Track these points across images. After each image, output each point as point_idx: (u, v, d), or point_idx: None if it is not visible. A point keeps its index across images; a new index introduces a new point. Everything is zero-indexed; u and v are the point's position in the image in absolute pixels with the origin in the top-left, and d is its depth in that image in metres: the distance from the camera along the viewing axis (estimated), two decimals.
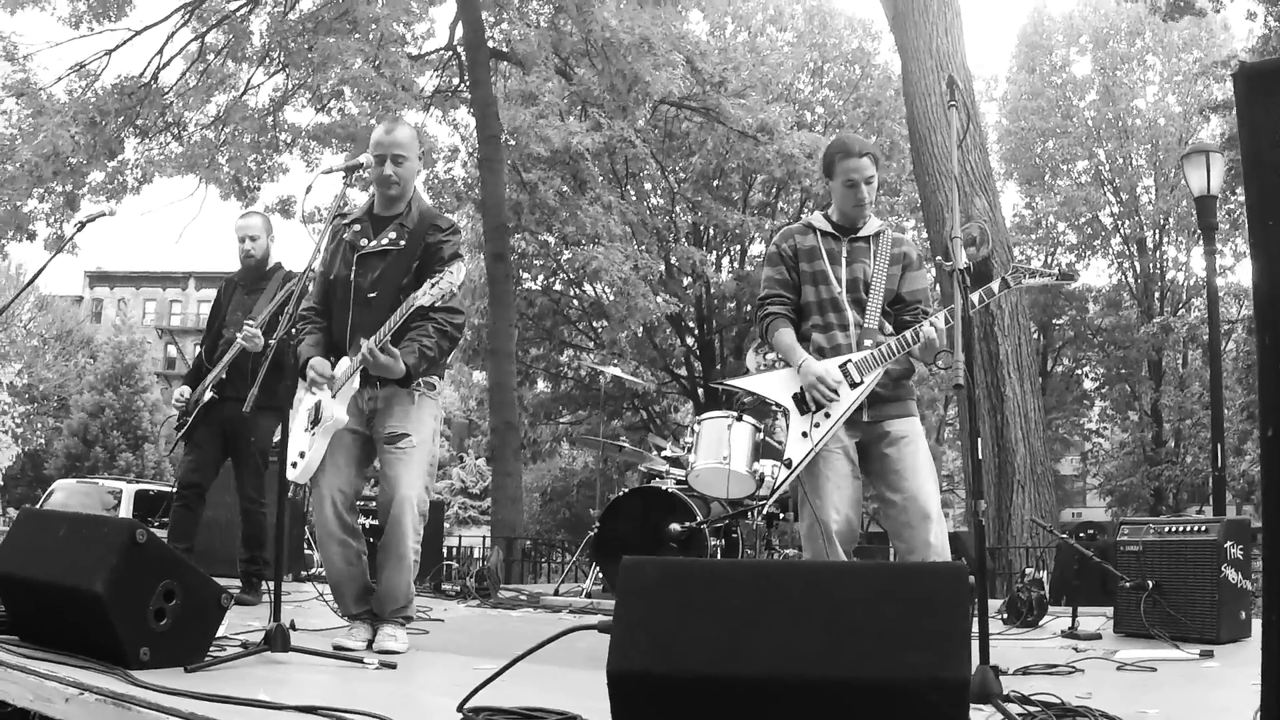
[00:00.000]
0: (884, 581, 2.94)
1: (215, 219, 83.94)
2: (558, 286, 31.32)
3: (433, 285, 5.21)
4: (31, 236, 19.43)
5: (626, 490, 9.06)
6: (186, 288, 62.77)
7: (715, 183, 30.32)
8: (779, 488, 5.70)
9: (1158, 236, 35.79)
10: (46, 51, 28.51)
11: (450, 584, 9.51)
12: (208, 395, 7.67)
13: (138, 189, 20.62)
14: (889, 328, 5.45)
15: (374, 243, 5.66)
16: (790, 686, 2.76)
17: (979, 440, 4.06)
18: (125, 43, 20.23)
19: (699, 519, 8.21)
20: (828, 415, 5.29)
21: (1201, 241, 15.13)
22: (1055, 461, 36.86)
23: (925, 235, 17.09)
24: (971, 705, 3.59)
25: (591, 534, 8.86)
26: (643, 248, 26.03)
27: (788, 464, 5.34)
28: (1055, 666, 5.21)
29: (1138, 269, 35.91)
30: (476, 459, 42.74)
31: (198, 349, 8.13)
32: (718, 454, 8.08)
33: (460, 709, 3.41)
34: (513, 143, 22.08)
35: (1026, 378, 15.53)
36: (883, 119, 30.70)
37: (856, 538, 5.49)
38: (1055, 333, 37.01)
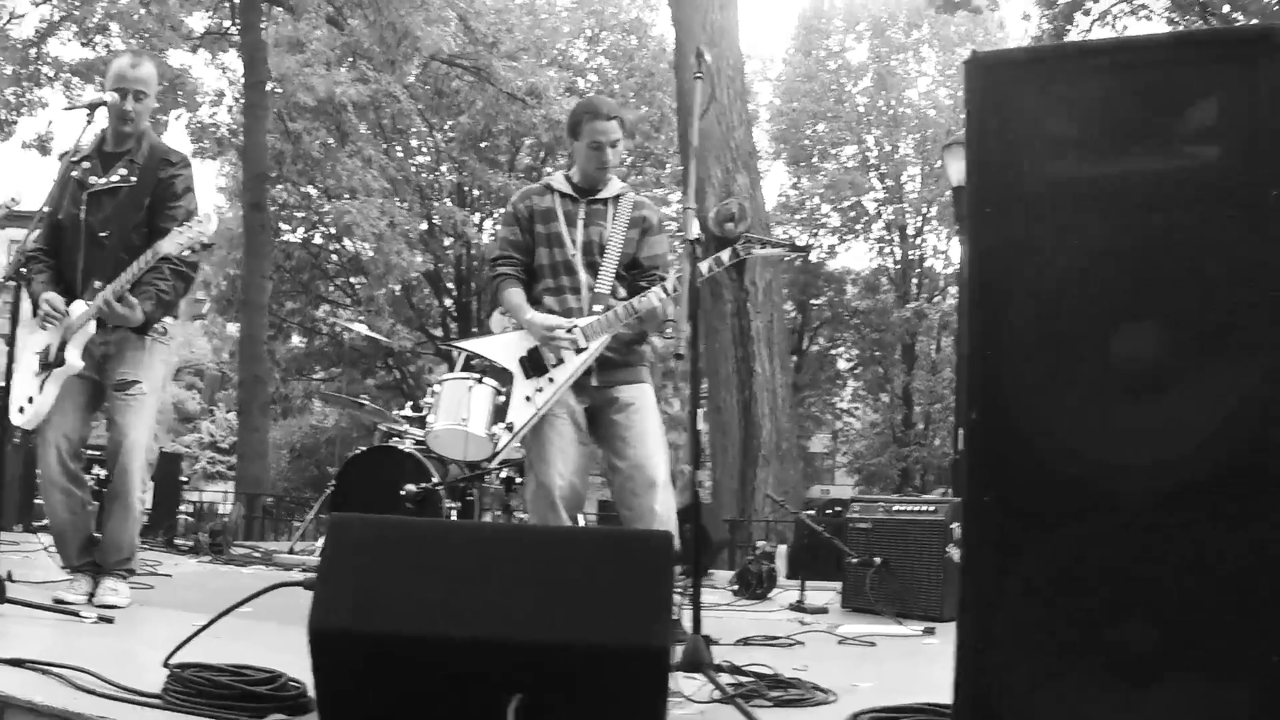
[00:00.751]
0: (591, 548, 3.03)
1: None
2: (318, 240, 30.72)
3: (180, 233, 5.09)
4: None
5: (363, 449, 8.98)
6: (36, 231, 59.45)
7: (483, 144, 30.06)
8: (499, 451, 5.71)
9: (920, 224, 36.62)
10: None
11: (183, 539, 9.36)
12: None
13: None
14: (623, 292, 5.43)
15: (104, 180, 5.49)
16: (495, 649, 2.80)
17: (700, 412, 4.18)
18: None
19: (434, 480, 8.20)
20: (551, 380, 5.29)
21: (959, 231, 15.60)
22: (806, 439, 37.62)
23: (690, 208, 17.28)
24: (684, 674, 3.75)
25: (328, 493, 8.78)
26: (404, 204, 25.74)
27: (509, 428, 5.35)
28: (777, 638, 5.34)
29: (898, 255, 36.63)
30: (227, 413, 41.69)
31: None
32: (456, 416, 8.02)
33: (165, 664, 3.34)
34: (280, 91, 21.62)
35: (776, 355, 15.73)
36: (654, 90, 30.81)
37: (582, 503, 5.55)
38: (812, 312, 37.46)
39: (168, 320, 5.60)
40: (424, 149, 31.00)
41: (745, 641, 5.21)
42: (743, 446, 15.15)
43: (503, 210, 26.28)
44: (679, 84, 17.00)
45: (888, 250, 37.03)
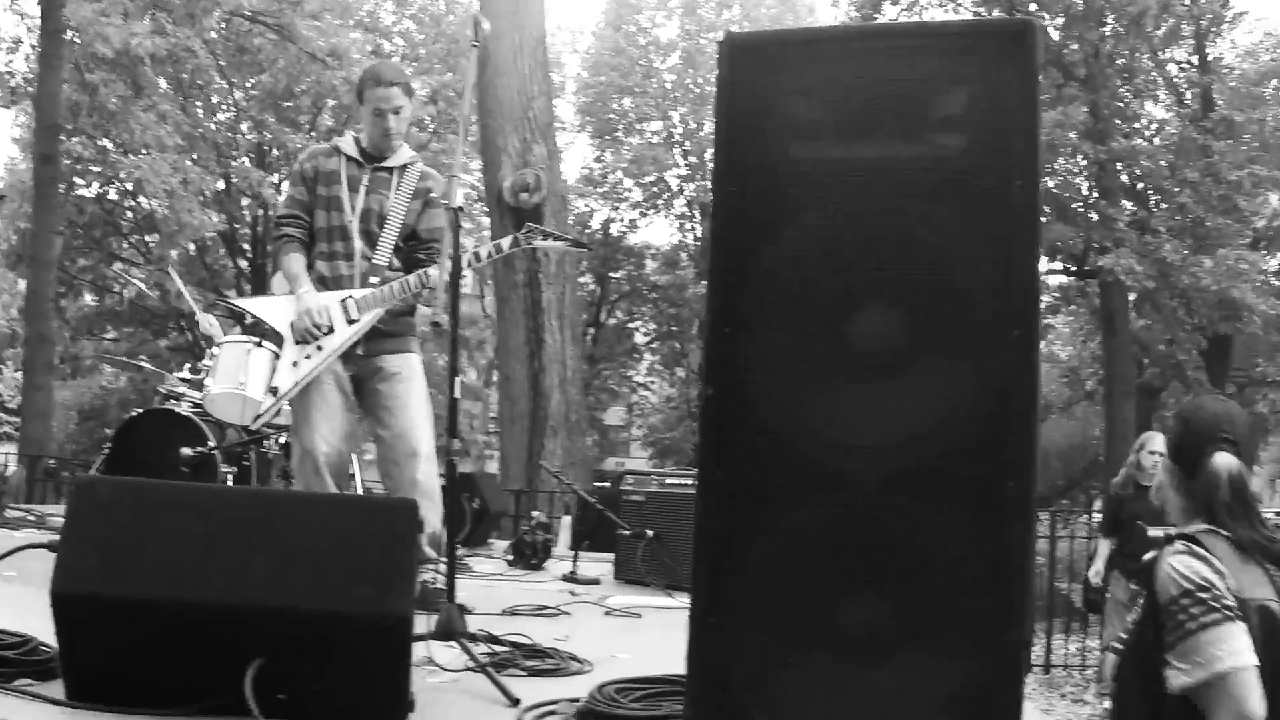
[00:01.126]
0: (334, 514, 3.03)
1: None
2: (113, 195, 29.84)
3: None
4: None
5: (140, 411, 8.76)
6: None
7: (285, 104, 29.46)
8: (263, 415, 5.66)
9: None
10: None
11: None
12: None
13: None
14: (398, 264, 5.43)
15: None
16: (237, 614, 2.79)
17: (457, 380, 4.19)
18: None
19: (211, 444, 8.06)
20: (320, 348, 5.28)
21: None
22: (602, 411, 37.82)
23: (484, 177, 17.15)
24: (439, 642, 3.78)
25: (103, 456, 8.57)
26: (199, 163, 25.10)
27: (273, 392, 5.34)
28: (545, 609, 5.38)
29: (699, 232, 36.84)
30: (15, 371, 40.42)
31: None
32: (235, 379, 7.78)
33: None
34: (79, 41, 20.90)
35: (567, 326, 15.70)
36: (460, 57, 30.49)
37: (348, 469, 5.58)
38: (611, 285, 37.58)
39: None
40: (224, 106, 30.28)
41: (512, 611, 5.24)
42: (531, 417, 15.10)
43: None
44: (479, 52, 16.74)
45: (688, 227, 37.17)
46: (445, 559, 5.39)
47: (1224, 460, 3.13)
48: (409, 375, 5.43)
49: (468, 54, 4.93)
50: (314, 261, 5.47)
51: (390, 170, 5.49)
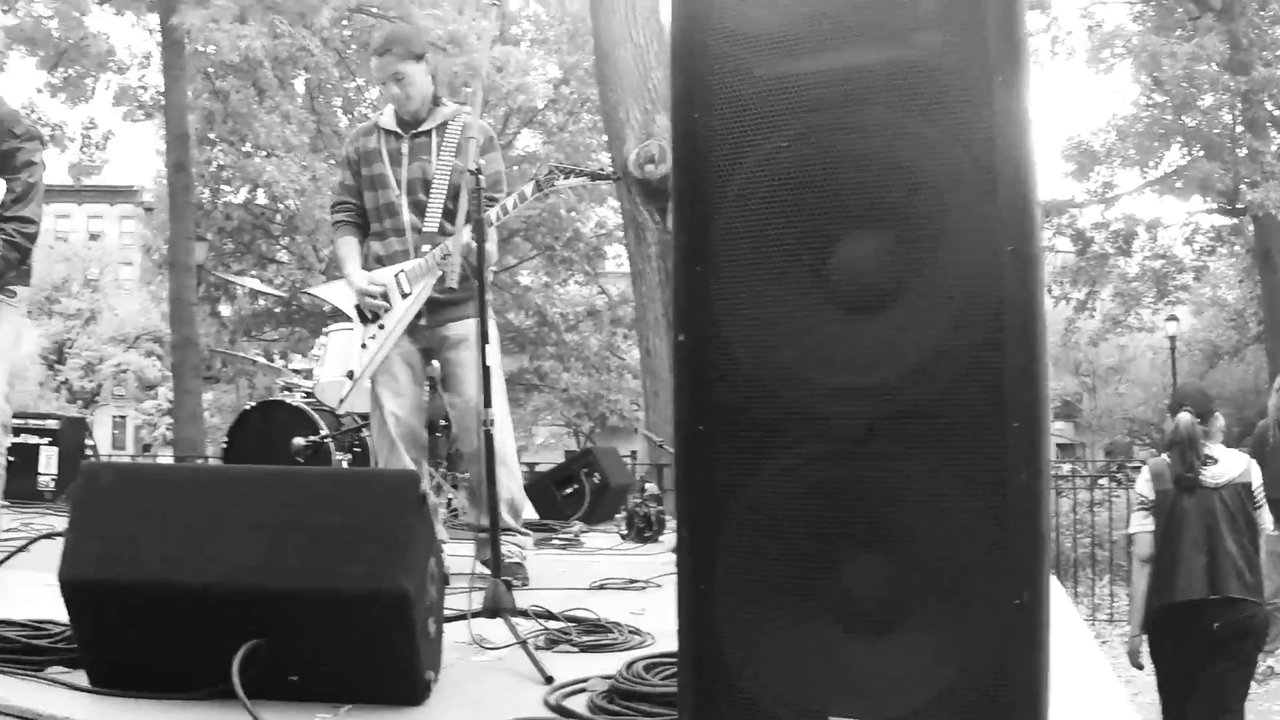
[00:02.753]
0: (334, 490, 2.93)
1: None
2: (261, 200, 30.48)
3: None
4: None
5: (253, 404, 8.90)
6: None
7: None
8: (344, 398, 5.68)
9: None
10: None
11: None
12: None
13: None
14: (451, 227, 5.22)
15: None
16: (238, 596, 2.73)
17: (488, 348, 4.11)
18: None
19: (323, 432, 8.13)
20: (382, 326, 5.27)
21: None
22: None
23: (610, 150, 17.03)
24: (484, 618, 3.69)
25: (223, 448, 8.71)
26: (330, 158, 25.44)
27: (349, 375, 5.36)
28: (634, 582, 5.29)
29: None
30: None
31: None
32: (344, 366, 7.90)
33: None
34: (204, 49, 21.29)
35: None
36: (586, 36, 30.44)
37: (423, 443, 5.55)
38: None
39: (15, 286, 5.49)
40: (354, 102, 30.62)
41: (601, 585, 5.16)
42: (674, 390, 14.94)
43: None
44: (594, 24, 16.67)
45: None
46: (522, 530, 5.38)
47: None
48: (467, 341, 5.30)
49: (487, 10, 4.78)
50: (369, 243, 5.48)
51: (428, 133, 5.40)
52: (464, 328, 5.34)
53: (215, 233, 27.01)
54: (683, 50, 2.27)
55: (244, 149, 27.19)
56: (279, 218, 30.71)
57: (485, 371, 4.09)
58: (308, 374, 8.86)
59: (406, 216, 5.34)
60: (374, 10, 22.72)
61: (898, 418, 2.04)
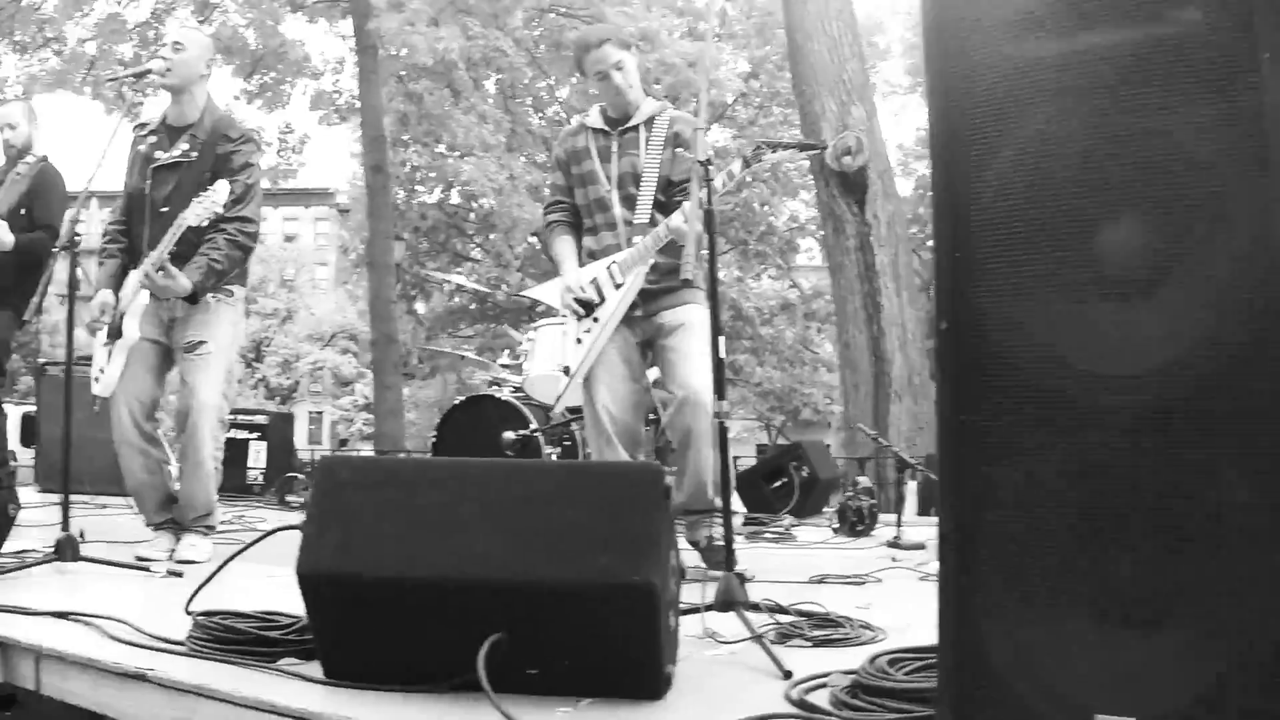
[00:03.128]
0: (578, 482, 2.92)
1: (107, 135, 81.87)
2: (455, 199, 31.01)
3: (199, 203, 5.12)
4: None
5: (461, 399, 9.01)
6: (88, 206, 61.54)
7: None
8: (561, 395, 5.70)
9: None
10: None
11: (296, 496, 9.46)
12: None
13: None
14: (661, 218, 5.25)
15: (168, 155, 5.57)
16: (478, 589, 2.74)
17: (720, 340, 4.06)
18: None
19: (532, 426, 8.19)
20: (596, 320, 5.25)
21: None
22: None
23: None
24: (717, 611, 3.65)
25: (431, 443, 8.84)
26: (525, 157, 25.77)
27: (565, 371, 5.35)
28: (854, 576, 5.20)
29: None
30: None
31: None
32: (553, 360, 7.97)
33: (187, 610, 3.45)
34: (397, 53, 21.70)
35: (904, 288, 15.43)
36: (775, 29, 30.34)
37: (639, 438, 5.49)
38: None
39: (234, 285, 5.67)
40: (545, 101, 30.91)
41: (821, 579, 5.08)
42: (874, 383, 14.87)
43: None
44: (786, 18, 16.60)
45: None
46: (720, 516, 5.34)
47: None
48: (687, 326, 5.30)
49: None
50: (584, 239, 5.50)
51: (636, 129, 5.41)
52: (680, 314, 5.33)
53: (411, 232, 27.54)
54: (935, 34, 2.21)
55: (437, 149, 27.68)
56: (472, 216, 31.23)
57: (719, 364, 4.05)
58: (516, 369, 8.95)
59: (618, 211, 5.36)
60: (563, 10, 22.87)
61: (1172, 406, 1.94)
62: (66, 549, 4.79)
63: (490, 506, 2.85)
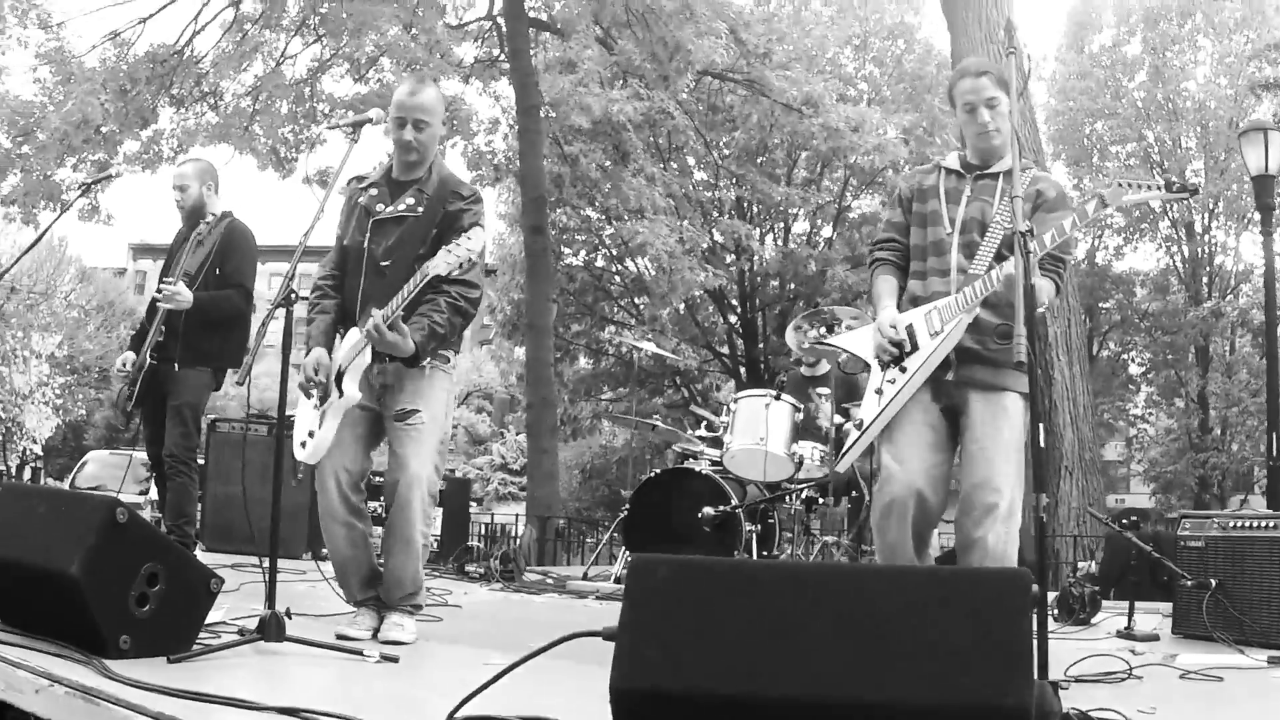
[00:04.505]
0: (933, 589, 2.56)
1: (259, 191, 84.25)
2: (600, 262, 31.03)
3: (449, 252, 4.77)
4: (65, 206, 19.11)
5: (658, 471, 8.70)
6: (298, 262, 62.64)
7: (760, 159, 29.84)
8: (847, 450, 5.15)
9: (1206, 220, 34.98)
10: (80, 20, 28.57)
11: (474, 565, 9.19)
12: (148, 361, 7.09)
13: (173, 159, 20.25)
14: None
15: (390, 208, 5.30)
16: (826, 710, 2.42)
17: (1040, 426, 3.62)
18: (160, 10, 20.04)
19: (733, 502, 7.87)
20: (904, 370, 4.78)
21: (1260, 223, 14.48)
22: (1100, 447, 36.39)
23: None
24: None
25: (621, 516, 8.56)
26: (686, 221, 25.67)
27: (859, 425, 4.92)
28: (1112, 674, 4.73)
29: (1185, 253, 35.26)
30: (517, 435, 42.84)
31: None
32: (754, 434, 7.81)
33: (451, 718, 3.08)
34: (553, 115, 21.72)
35: (1076, 361, 15.07)
36: (923, 94, 30.11)
37: (933, 519, 4.87)
38: (1102, 316, 36.31)
39: (448, 351, 5.38)
40: (701, 166, 30.91)
41: (1076, 678, 4.62)
42: (1044, 457, 14.37)
43: (781, 224, 26.08)
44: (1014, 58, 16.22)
45: (1175, 249, 35.78)
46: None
47: None
48: (995, 414, 4.75)
49: (1005, 60, 4.40)
50: (908, 283, 5.03)
51: (994, 177, 4.90)
52: (988, 399, 4.80)
53: (558, 294, 27.49)
54: None
55: (585, 212, 27.70)
56: (617, 279, 31.18)
57: (1038, 454, 3.61)
58: (713, 441, 8.68)
59: (954, 257, 4.84)
60: (725, 73, 22.73)
61: None
62: (272, 628, 4.45)
63: (835, 615, 2.52)
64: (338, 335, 5.34)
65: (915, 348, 4.75)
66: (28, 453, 37.08)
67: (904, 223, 5.10)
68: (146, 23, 20.16)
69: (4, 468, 33.30)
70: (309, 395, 5.24)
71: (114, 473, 18.57)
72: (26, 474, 35.11)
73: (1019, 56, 4.57)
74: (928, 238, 4.94)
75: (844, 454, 5.28)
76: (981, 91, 4.79)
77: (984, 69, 4.88)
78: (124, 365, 7.25)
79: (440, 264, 4.77)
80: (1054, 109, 36.23)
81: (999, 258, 4.70)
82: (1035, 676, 3.34)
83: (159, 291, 6.98)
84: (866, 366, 5.12)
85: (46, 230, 7.68)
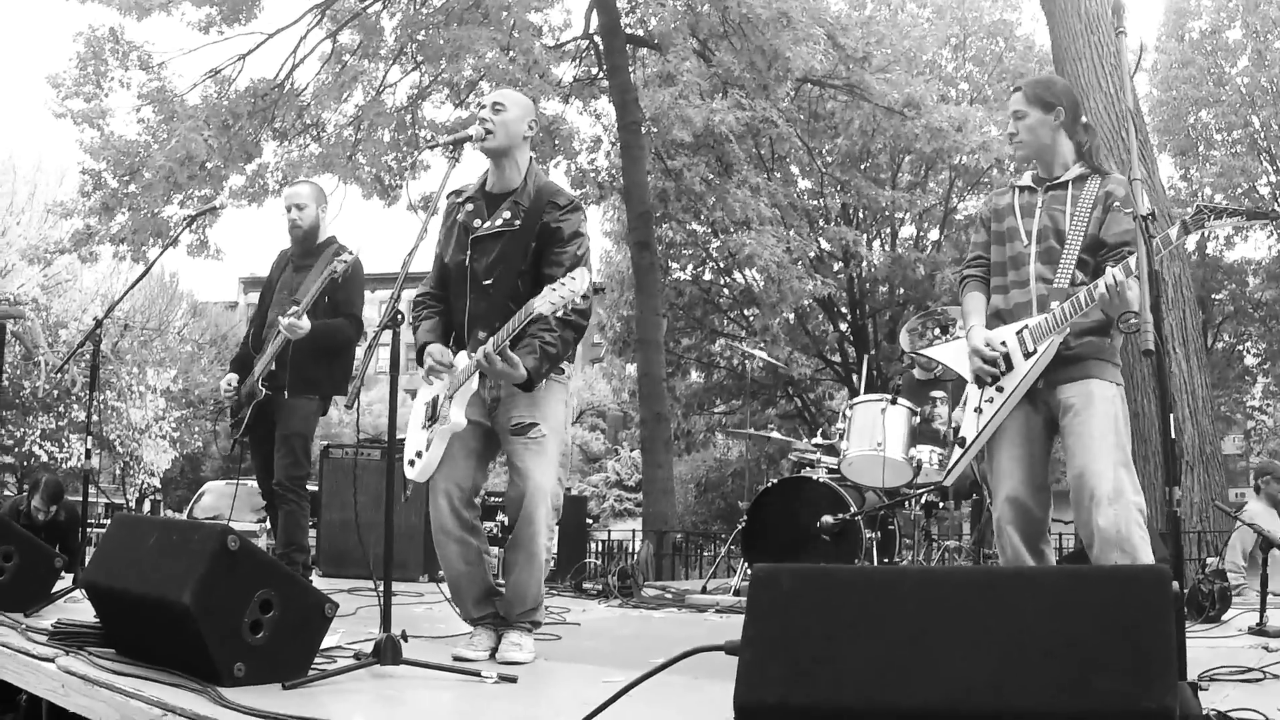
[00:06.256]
0: (1070, 590, 2.42)
1: (364, 220, 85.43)
2: (707, 275, 30.96)
3: (554, 291, 4.67)
4: (170, 241, 19.40)
5: (775, 481, 8.60)
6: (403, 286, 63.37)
7: (863, 164, 29.65)
8: (952, 468, 5.17)
9: None
10: (180, 59, 29.09)
11: (592, 582, 9.12)
12: (261, 392, 7.12)
13: (279, 191, 20.52)
14: (1082, 279, 4.77)
15: (488, 224, 5.21)
16: None
17: (1171, 418, 3.48)
18: (259, 46, 20.29)
19: (852, 510, 7.74)
20: (1001, 389, 4.81)
21: None
22: (1219, 440, 35.65)
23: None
24: None
25: (740, 527, 8.46)
26: (792, 230, 25.53)
27: (962, 442, 4.93)
28: (1247, 671, 4.59)
29: None
30: (631, 451, 43.00)
31: (249, 329, 7.67)
32: (871, 440, 7.72)
33: None
34: (654, 130, 21.68)
35: (1193, 353, 14.72)
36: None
37: (1040, 525, 4.89)
38: (1215, 307, 35.45)
39: (566, 364, 5.28)
40: (805, 174, 30.76)
41: (1211, 677, 4.48)
42: (1165, 454, 14.02)
43: (888, 229, 25.96)
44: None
45: None
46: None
47: None
48: (1088, 403, 4.70)
49: (1116, 39, 4.29)
50: (990, 298, 5.11)
51: (1064, 185, 4.94)
52: (1080, 389, 4.75)
53: (667, 309, 27.46)
54: None
55: (690, 226, 27.66)
56: (725, 291, 31.11)
57: (1168, 448, 3.48)
58: (829, 448, 8.57)
59: (1033, 267, 4.90)
60: (833, 82, 22.56)
61: None
62: (388, 651, 4.38)
63: (967, 621, 2.39)
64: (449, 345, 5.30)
65: (1010, 367, 4.82)
66: (146, 486, 37.68)
67: (987, 241, 5.22)
68: (246, 59, 20.50)
69: (124, 501, 33.80)
70: (430, 383, 5.20)
71: (231, 503, 18.82)
72: (146, 507, 35.66)
73: (1129, 35, 4.51)
74: (1006, 253, 5.05)
75: (949, 470, 5.34)
76: (1011, 105, 5.03)
77: (1020, 86, 5.07)
78: (229, 385, 7.35)
79: (544, 304, 4.68)
80: (1157, 99, 35.44)
81: (1080, 265, 4.79)
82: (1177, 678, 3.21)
83: (282, 318, 6.94)
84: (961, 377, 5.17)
85: (152, 265, 7.77)
